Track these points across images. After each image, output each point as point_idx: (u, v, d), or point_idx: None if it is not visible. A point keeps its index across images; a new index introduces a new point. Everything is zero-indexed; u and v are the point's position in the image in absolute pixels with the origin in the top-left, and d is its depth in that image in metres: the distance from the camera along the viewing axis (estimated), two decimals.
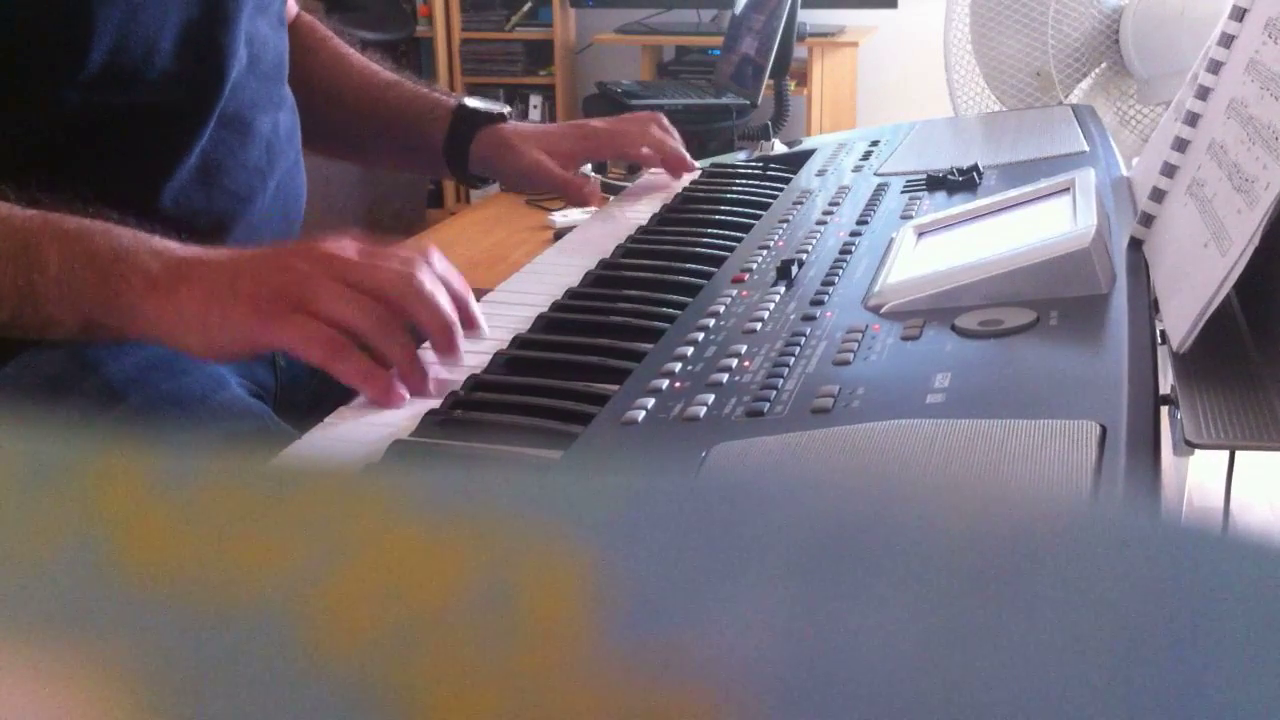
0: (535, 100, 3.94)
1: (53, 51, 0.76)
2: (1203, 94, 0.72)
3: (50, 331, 0.69)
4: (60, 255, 0.67)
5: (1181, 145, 0.72)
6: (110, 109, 0.79)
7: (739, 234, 0.91)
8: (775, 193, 1.04)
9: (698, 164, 1.19)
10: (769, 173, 1.12)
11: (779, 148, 1.24)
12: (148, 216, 0.75)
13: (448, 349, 0.67)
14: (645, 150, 1.09)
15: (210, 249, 0.70)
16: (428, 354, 0.68)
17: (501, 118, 1.07)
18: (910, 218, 0.87)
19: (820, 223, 0.91)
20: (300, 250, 0.67)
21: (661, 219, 1.00)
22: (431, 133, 1.06)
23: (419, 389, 0.65)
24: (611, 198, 1.14)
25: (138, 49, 0.78)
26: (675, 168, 1.09)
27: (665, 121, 1.10)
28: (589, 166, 1.18)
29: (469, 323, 0.69)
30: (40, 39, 0.76)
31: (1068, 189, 0.79)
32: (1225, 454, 0.58)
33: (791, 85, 2.97)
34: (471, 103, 1.07)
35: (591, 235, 0.99)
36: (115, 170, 0.80)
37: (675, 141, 1.09)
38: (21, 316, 0.68)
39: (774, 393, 0.57)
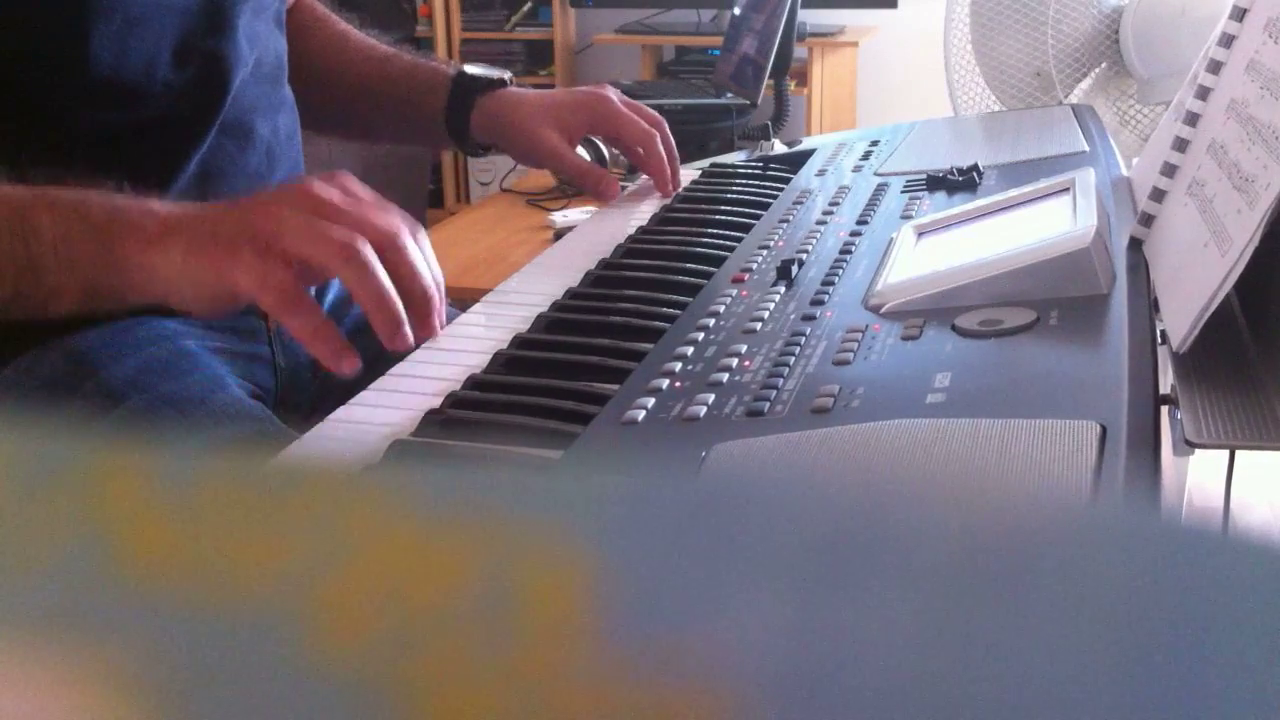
0: None
1: (51, 70, 0.76)
2: (1203, 94, 0.72)
3: (53, 305, 0.68)
4: (55, 222, 0.66)
5: (1181, 145, 0.72)
6: (113, 124, 0.79)
7: (739, 234, 0.91)
8: (775, 193, 1.04)
9: (698, 164, 1.18)
10: (769, 173, 1.12)
11: (779, 148, 1.24)
12: None
13: (424, 317, 0.63)
14: (639, 151, 1.06)
15: (194, 204, 0.69)
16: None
17: (502, 83, 1.05)
18: (910, 218, 0.87)
19: (820, 223, 0.91)
20: (283, 189, 0.66)
21: (661, 219, 1.00)
22: (431, 103, 1.05)
23: (390, 340, 0.61)
24: None
25: (138, 63, 0.78)
26: (659, 185, 1.07)
27: (669, 137, 1.07)
28: (586, 159, 1.17)
29: (425, 322, 0.64)
30: (38, 58, 0.76)
31: (1068, 189, 0.79)
32: (1225, 454, 0.58)
33: (791, 85, 2.97)
34: (471, 69, 1.05)
35: (591, 235, 0.99)
36: (114, 182, 0.80)
37: (664, 162, 1.06)
38: (23, 290, 0.67)
39: (774, 392, 0.57)
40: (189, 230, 0.65)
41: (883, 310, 0.67)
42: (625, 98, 1.07)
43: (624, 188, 1.15)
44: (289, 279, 0.61)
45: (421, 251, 0.65)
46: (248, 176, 0.87)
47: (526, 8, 3.92)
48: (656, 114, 1.08)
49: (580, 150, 1.12)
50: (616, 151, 1.26)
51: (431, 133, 1.07)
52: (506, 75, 1.06)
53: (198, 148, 0.83)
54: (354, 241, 0.62)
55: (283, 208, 0.63)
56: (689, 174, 1.14)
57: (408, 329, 0.62)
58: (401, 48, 1.09)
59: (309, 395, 0.92)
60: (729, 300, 0.74)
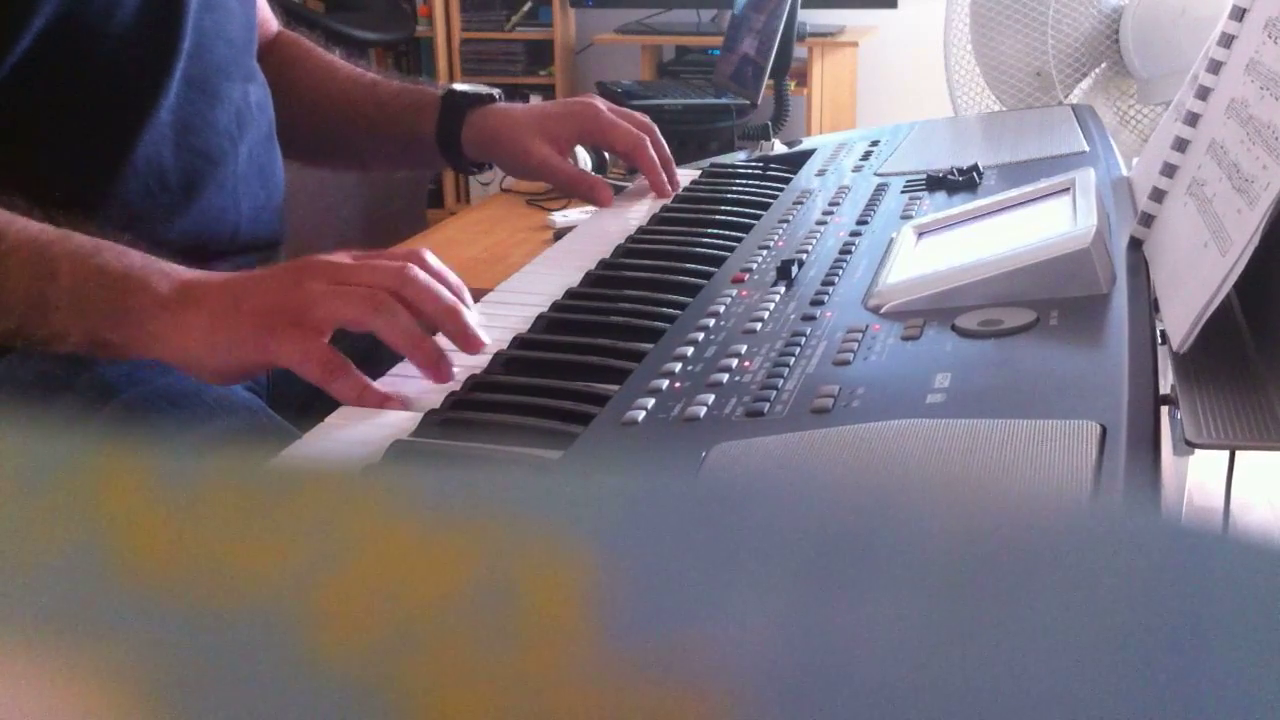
0: (535, 100, 3.94)
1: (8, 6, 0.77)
2: (1203, 94, 0.72)
3: (54, 345, 0.70)
4: (73, 267, 0.68)
5: (1181, 145, 0.72)
6: (72, 62, 0.80)
7: (739, 234, 0.91)
8: (775, 193, 1.04)
9: (698, 164, 1.18)
10: (769, 173, 1.12)
11: (779, 148, 1.24)
12: (121, 173, 0.78)
13: (460, 333, 0.68)
14: (628, 154, 1.08)
15: (216, 273, 0.71)
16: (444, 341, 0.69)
17: (491, 98, 1.06)
18: (910, 218, 0.87)
19: (820, 223, 0.91)
20: (297, 265, 0.69)
21: (661, 219, 1.00)
22: (421, 123, 1.06)
23: (435, 373, 0.66)
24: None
25: (99, 5, 0.79)
26: (654, 187, 1.08)
27: (659, 140, 1.08)
28: (589, 164, 1.17)
29: (462, 333, 0.69)
30: None
31: (1068, 189, 0.79)
32: (1225, 454, 0.58)
33: (791, 85, 2.97)
34: (459, 87, 1.07)
35: (591, 235, 0.99)
36: (86, 125, 0.82)
37: (657, 165, 1.07)
38: (28, 326, 0.69)
39: (774, 393, 0.57)
40: (209, 301, 0.68)
41: (883, 310, 0.67)
42: (613, 105, 1.08)
43: (623, 188, 1.15)
44: (327, 349, 0.65)
45: (432, 269, 0.70)
46: (218, 134, 0.89)
47: (526, 8, 3.92)
48: (645, 119, 1.08)
49: (583, 153, 1.12)
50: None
51: (423, 153, 1.08)
52: (496, 92, 1.08)
53: (163, 97, 0.84)
54: (377, 294, 0.66)
55: (304, 280, 0.67)
56: (689, 174, 1.14)
57: (448, 362, 0.66)
58: (388, 74, 1.11)
59: (302, 388, 0.92)
60: (729, 300, 0.74)
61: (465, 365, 0.68)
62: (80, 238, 0.70)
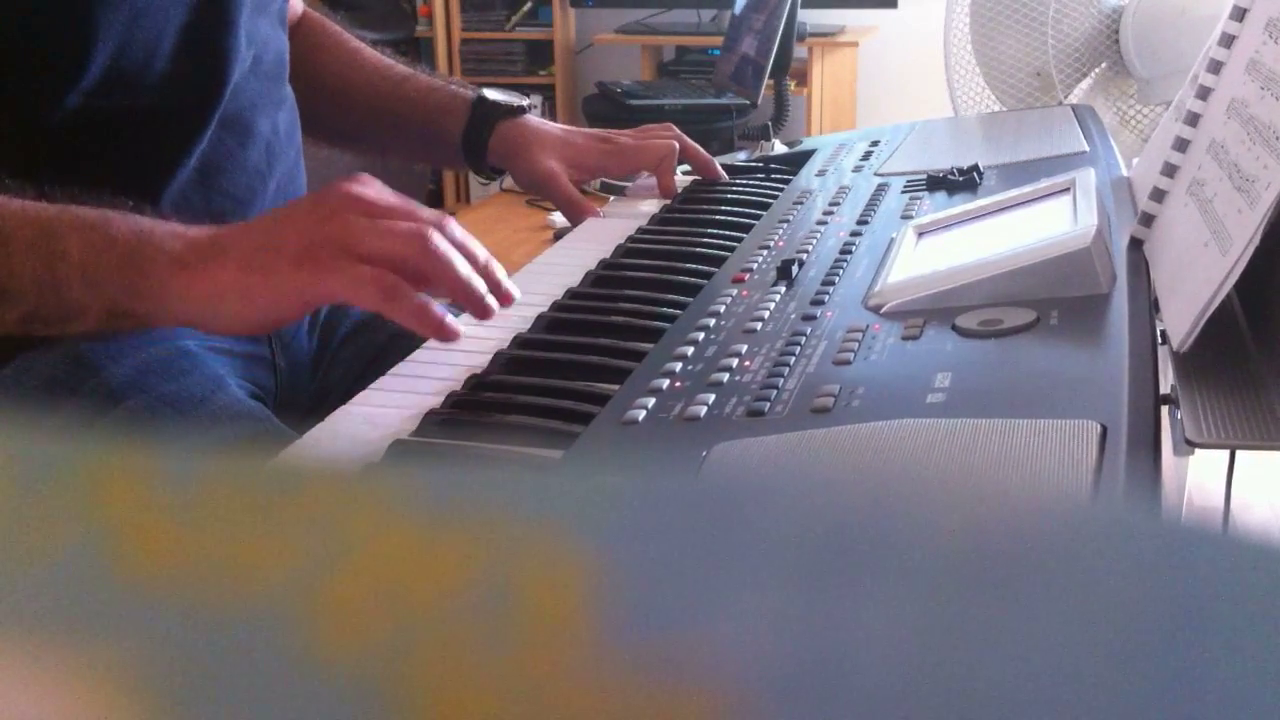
0: (535, 100, 3.94)
1: (54, 57, 0.75)
2: (1203, 94, 0.72)
3: (73, 324, 0.67)
4: (81, 241, 0.66)
5: (1182, 145, 0.72)
6: (112, 112, 0.78)
7: (739, 234, 0.91)
8: (775, 193, 1.04)
9: None
10: (769, 173, 1.12)
11: (779, 148, 1.24)
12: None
13: (494, 285, 0.68)
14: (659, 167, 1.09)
15: (232, 224, 0.69)
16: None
17: (521, 110, 1.06)
18: (910, 218, 0.87)
19: (820, 223, 0.91)
20: (326, 198, 0.67)
21: (661, 219, 1.00)
22: (449, 125, 1.05)
23: (480, 308, 0.67)
24: (612, 198, 1.13)
25: (139, 53, 0.78)
26: (664, 194, 1.08)
27: (683, 145, 1.08)
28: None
29: (499, 292, 0.70)
30: (42, 44, 0.75)
31: (1068, 189, 0.79)
32: (1225, 454, 0.58)
33: (791, 85, 2.97)
34: (491, 95, 1.06)
35: (591, 235, 0.99)
36: (116, 173, 0.80)
37: (673, 173, 1.07)
38: (44, 308, 0.67)
39: (774, 392, 0.57)
40: (237, 250, 0.65)
41: (883, 310, 0.67)
42: (633, 130, 1.09)
43: (623, 189, 1.15)
44: (382, 272, 0.63)
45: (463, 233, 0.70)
46: (247, 173, 0.86)
47: (526, 8, 3.92)
48: (666, 135, 1.08)
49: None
50: None
51: (445, 154, 1.08)
52: (525, 102, 1.08)
53: (197, 141, 0.82)
54: (424, 232, 0.65)
55: (342, 213, 0.65)
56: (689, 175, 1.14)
57: (491, 299, 0.67)
58: (418, 68, 1.10)
59: (308, 395, 0.92)
60: (729, 300, 0.74)
61: (465, 365, 0.68)
62: (84, 209, 0.67)
